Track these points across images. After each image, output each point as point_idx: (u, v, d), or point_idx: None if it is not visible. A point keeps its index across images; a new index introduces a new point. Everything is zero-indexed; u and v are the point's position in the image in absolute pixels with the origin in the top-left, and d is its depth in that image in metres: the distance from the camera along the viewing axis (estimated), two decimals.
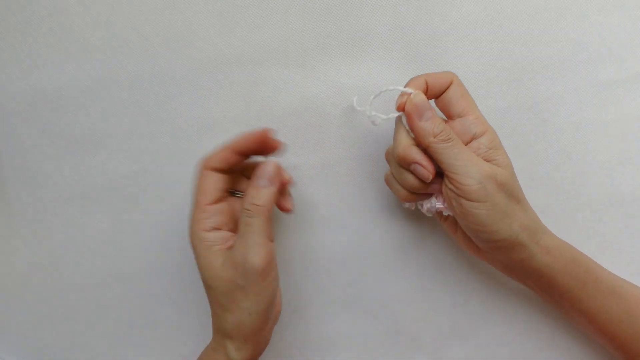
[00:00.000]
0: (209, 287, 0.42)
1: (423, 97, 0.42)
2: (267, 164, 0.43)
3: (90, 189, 0.52)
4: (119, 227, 0.52)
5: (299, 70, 0.51)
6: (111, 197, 0.52)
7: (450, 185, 0.41)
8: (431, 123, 0.41)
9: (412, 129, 0.42)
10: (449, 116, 0.44)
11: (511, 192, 0.42)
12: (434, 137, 0.41)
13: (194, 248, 0.42)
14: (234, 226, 0.44)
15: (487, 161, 0.42)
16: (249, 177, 0.46)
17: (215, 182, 0.43)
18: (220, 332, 0.43)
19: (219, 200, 0.43)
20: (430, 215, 0.46)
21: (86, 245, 0.53)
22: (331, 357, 0.53)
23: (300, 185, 0.51)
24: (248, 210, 0.41)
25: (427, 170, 0.42)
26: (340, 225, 0.52)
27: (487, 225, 0.41)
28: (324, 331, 0.53)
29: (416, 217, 0.51)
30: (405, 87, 0.43)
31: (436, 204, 0.44)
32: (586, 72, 0.50)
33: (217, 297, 0.42)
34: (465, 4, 0.49)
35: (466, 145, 0.42)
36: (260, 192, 0.42)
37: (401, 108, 0.43)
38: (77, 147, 0.52)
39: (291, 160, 0.51)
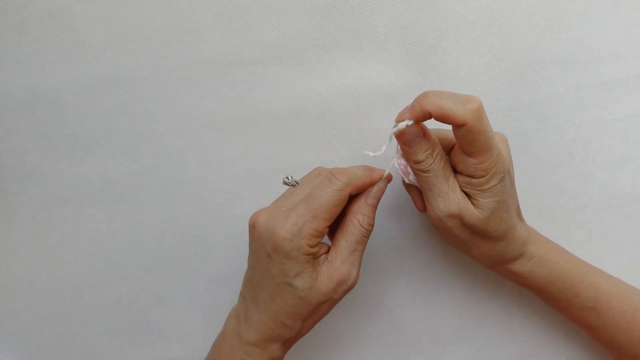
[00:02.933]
0: (300, 298, 0.40)
1: (416, 129, 0.40)
2: (383, 186, 0.43)
3: (90, 189, 0.52)
4: (118, 228, 0.52)
5: (299, 70, 0.51)
6: (110, 197, 0.52)
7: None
8: (414, 150, 0.40)
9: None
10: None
11: (482, 232, 0.41)
12: (414, 164, 0.41)
13: (289, 256, 0.40)
14: None
15: (469, 196, 0.41)
16: None
17: (343, 206, 0.41)
18: (271, 340, 0.42)
19: None
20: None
21: (85, 245, 0.53)
22: (331, 358, 0.53)
23: None
24: (366, 230, 0.42)
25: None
26: None
27: (451, 245, 0.45)
28: (324, 332, 0.53)
29: (417, 217, 0.51)
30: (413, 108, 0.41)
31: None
32: (587, 72, 0.50)
33: (301, 308, 0.41)
34: (466, 4, 0.49)
35: (457, 173, 0.42)
36: (373, 214, 0.42)
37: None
38: (76, 147, 0.52)
39: (291, 160, 0.51)
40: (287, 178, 0.43)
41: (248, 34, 0.50)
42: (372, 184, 0.42)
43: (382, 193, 0.43)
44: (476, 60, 0.50)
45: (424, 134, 0.40)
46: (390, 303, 0.52)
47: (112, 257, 0.53)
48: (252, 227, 0.42)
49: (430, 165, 0.40)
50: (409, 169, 0.43)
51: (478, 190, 0.40)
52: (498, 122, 0.50)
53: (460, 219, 0.41)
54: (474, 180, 0.40)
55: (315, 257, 0.41)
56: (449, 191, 0.40)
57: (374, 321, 0.52)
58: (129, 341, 0.53)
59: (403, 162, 0.43)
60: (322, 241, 0.42)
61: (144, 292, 0.53)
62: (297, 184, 0.43)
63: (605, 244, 0.51)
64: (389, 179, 0.43)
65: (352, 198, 0.43)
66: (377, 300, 0.52)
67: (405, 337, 0.52)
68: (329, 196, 0.40)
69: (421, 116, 0.39)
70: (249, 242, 0.43)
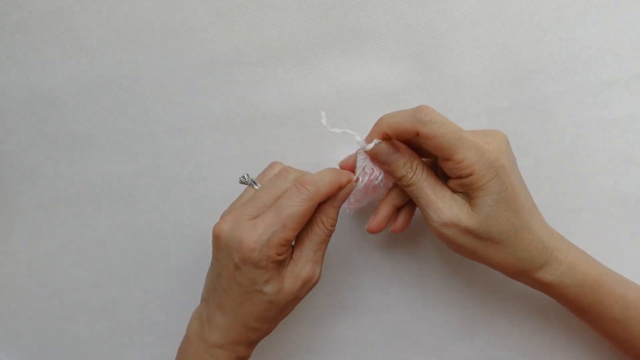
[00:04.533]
0: (269, 303, 0.41)
1: (383, 146, 0.41)
2: (349, 190, 0.43)
3: (89, 189, 0.52)
4: (117, 228, 0.52)
5: (298, 70, 0.51)
6: (110, 197, 0.52)
7: None
8: (393, 168, 0.41)
9: None
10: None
11: (486, 235, 0.40)
12: (398, 181, 0.42)
13: (258, 265, 0.39)
14: None
15: (470, 198, 0.40)
16: None
17: (311, 215, 0.41)
18: (239, 342, 0.42)
19: None
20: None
21: (84, 245, 0.53)
22: (332, 358, 0.53)
23: None
24: (329, 231, 0.42)
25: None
26: (340, 225, 0.52)
27: (466, 257, 0.43)
28: (325, 333, 0.53)
29: (418, 218, 0.51)
30: (372, 129, 0.42)
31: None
32: (588, 72, 0.50)
33: (270, 311, 0.41)
34: (467, 3, 0.49)
35: (450, 178, 0.41)
36: (337, 215, 0.43)
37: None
38: (76, 147, 0.52)
39: (290, 160, 0.51)
40: (244, 177, 0.43)
41: (248, 33, 0.50)
42: (340, 189, 0.42)
43: (348, 196, 0.43)
44: (476, 59, 0.50)
45: (399, 149, 0.41)
46: (390, 304, 0.52)
47: (112, 257, 0.53)
48: (217, 237, 0.41)
49: (412, 178, 0.41)
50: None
51: (473, 189, 0.39)
52: (499, 122, 0.50)
53: (456, 226, 0.40)
54: (464, 181, 0.39)
55: (282, 262, 0.41)
56: (437, 200, 0.40)
57: (374, 322, 0.52)
58: (128, 341, 0.53)
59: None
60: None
61: (143, 292, 0.53)
62: (254, 183, 0.43)
63: (606, 244, 0.51)
64: (355, 181, 0.43)
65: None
66: (377, 301, 0.52)
67: (405, 337, 0.52)
68: (297, 207, 0.40)
69: (382, 138, 0.41)
70: (213, 250, 0.42)
